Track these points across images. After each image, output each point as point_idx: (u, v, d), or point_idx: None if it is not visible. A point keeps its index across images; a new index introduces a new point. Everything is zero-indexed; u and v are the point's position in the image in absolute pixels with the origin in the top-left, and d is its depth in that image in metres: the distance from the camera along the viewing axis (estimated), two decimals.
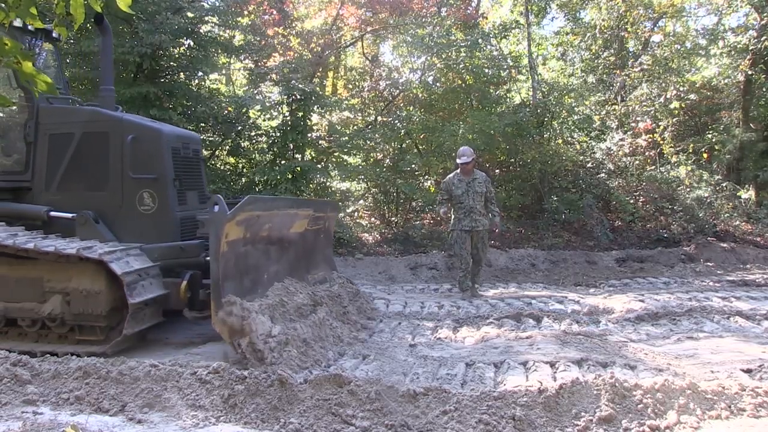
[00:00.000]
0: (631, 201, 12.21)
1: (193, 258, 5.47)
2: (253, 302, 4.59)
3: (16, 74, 5.60)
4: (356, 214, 13.10)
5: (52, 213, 5.48)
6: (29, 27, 5.66)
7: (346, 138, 12.27)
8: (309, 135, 11.77)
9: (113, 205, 5.50)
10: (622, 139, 13.58)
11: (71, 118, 5.70)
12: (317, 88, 12.16)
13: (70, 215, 5.42)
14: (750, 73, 12.91)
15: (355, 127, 13.19)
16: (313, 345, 4.66)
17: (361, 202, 13.54)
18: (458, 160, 7.77)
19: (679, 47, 14.40)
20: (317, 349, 4.66)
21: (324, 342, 4.87)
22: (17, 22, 5.45)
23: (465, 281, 7.80)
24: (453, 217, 7.84)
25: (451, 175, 7.96)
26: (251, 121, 12.01)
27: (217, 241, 4.38)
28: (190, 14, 10.57)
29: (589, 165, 13.09)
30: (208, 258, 5.41)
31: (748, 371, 4.16)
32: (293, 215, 5.64)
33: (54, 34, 6.06)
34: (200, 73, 11.73)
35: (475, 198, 7.65)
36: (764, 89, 13.26)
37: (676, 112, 13.90)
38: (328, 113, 12.91)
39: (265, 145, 12.01)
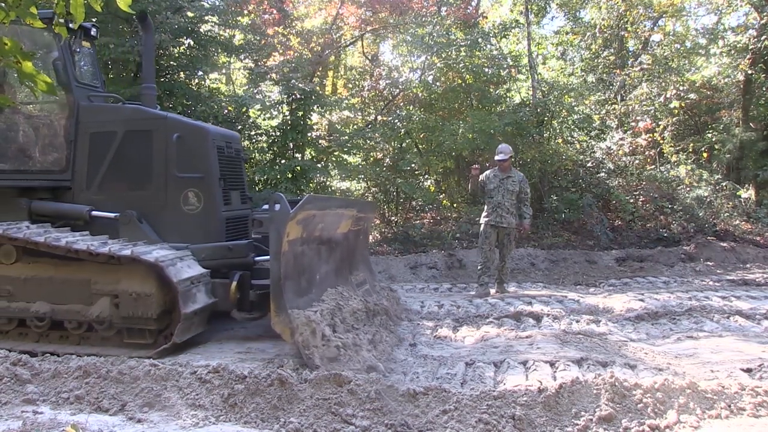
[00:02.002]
0: (631, 200, 12.21)
1: (240, 258, 5.37)
2: (314, 309, 4.51)
3: (58, 73, 5.47)
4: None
5: (94, 212, 5.39)
6: (70, 25, 5.58)
7: (346, 137, 12.27)
8: (309, 134, 11.78)
9: (157, 204, 5.42)
10: (621, 139, 13.57)
11: (113, 117, 5.62)
12: (317, 88, 12.17)
13: (113, 215, 5.34)
14: (750, 72, 12.92)
15: (355, 127, 13.20)
16: (368, 355, 4.60)
17: None
18: (496, 157, 7.84)
19: (678, 47, 14.41)
20: (373, 361, 4.61)
21: (378, 354, 4.77)
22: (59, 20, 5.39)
23: (482, 277, 7.83)
24: (483, 211, 7.94)
25: (490, 169, 8.06)
26: (251, 120, 12.02)
27: (279, 241, 4.27)
28: (190, 14, 10.58)
29: (589, 164, 13.09)
30: (256, 258, 5.37)
31: (748, 370, 4.16)
32: (341, 215, 5.51)
33: (92, 33, 5.95)
34: (200, 73, 11.74)
35: (505, 195, 7.70)
36: (764, 88, 13.26)
37: (676, 111, 13.90)
38: (328, 112, 12.92)
39: (265, 145, 12.01)
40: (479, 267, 7.91)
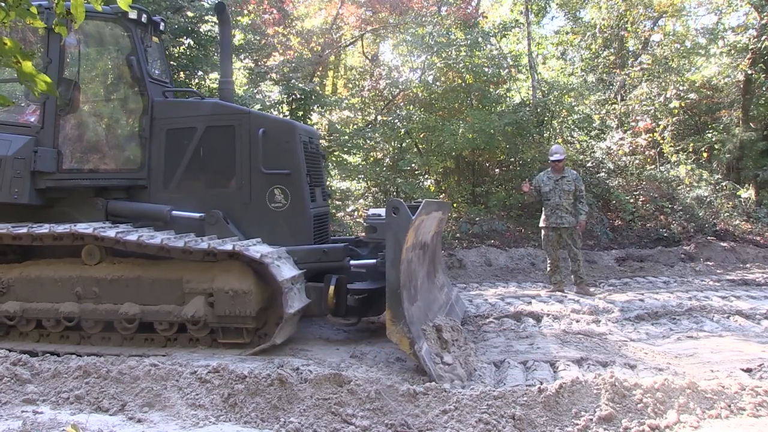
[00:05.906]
0: (631, 200, 12.21)
1: (336, 262, 5.18)
2: (433, 323, 4.46)
3: (133, 69, 5.34)
4: (356, 213, 13.12)
5: (175, 212, 5.21)
6: (142, 19, 5.41)
7: (346, 137, 12.27)
8: None
9: (240, 202, 5.27)
10: (621, 139, 13.58)
11: (192, 113, 5.46)
12: (317, 88, 12.17)
13: (197, 215, 5.17)
14: (750, 72, 12.92)
15: (355, 126, 13.20)
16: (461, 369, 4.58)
17: (361, 201, 13.55)
18: (550, 158, 7.95)
19: (678, 46, 14.41)
20: (466, 371, 4.58)
21: (467, 364, 4.74)
22: (132, 14, 5.25)
23: (553, 276, 8.03)
24: (542, 214, 8.05)
25: (542, 172, 8.16)
26: None
27: (398, 248, 4.13)
28: (189, 13, 10.57)
29: (589, 164, 13.09)
30: (351, 262, 5.20)
31: (748, 370, 4.16)
32: (434, 218, 5.37)
33: (161, 27, 5.84)
34: (200, 73, 11.72)
35: (561, 195, 7.80)
36: (764, 88, 13.26)
37: (676, 111, 13.90)
38: (328, 112, 12.93)
39: None
40: (548, 269, 8.12)
